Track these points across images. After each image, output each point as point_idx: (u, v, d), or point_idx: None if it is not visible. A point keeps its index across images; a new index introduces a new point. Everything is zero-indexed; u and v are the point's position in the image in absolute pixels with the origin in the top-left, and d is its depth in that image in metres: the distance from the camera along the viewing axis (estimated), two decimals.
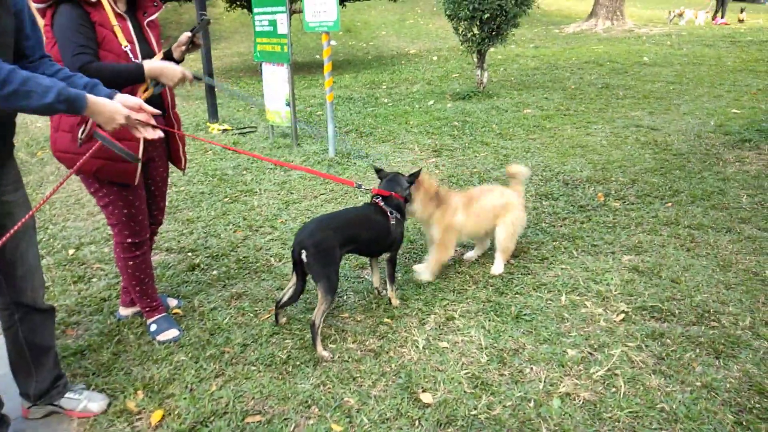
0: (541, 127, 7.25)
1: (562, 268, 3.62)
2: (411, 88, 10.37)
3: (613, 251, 3.82)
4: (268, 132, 7.05)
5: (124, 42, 2.48)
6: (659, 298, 3.22)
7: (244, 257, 3.90)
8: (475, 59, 9.38)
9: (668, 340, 2.86)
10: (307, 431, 2.34)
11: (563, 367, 2.71)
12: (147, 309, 3.04)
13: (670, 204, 4.56)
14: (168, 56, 2.82)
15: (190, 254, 3.98)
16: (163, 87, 2.58)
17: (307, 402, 2.51)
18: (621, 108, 7.95)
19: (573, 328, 3.01)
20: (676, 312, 3.09)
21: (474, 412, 2.43)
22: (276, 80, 6.37)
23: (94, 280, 3.68)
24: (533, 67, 11.85)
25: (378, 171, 3.34)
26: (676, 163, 5.54)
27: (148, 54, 2.61)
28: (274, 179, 5.50)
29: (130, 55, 2.50)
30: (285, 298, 2.96)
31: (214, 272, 3.71)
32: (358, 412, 2.45)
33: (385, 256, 3.20)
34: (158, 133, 2.22)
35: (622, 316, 3.09)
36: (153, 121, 2.22)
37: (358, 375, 2.68)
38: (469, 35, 9.03)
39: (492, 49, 10.55)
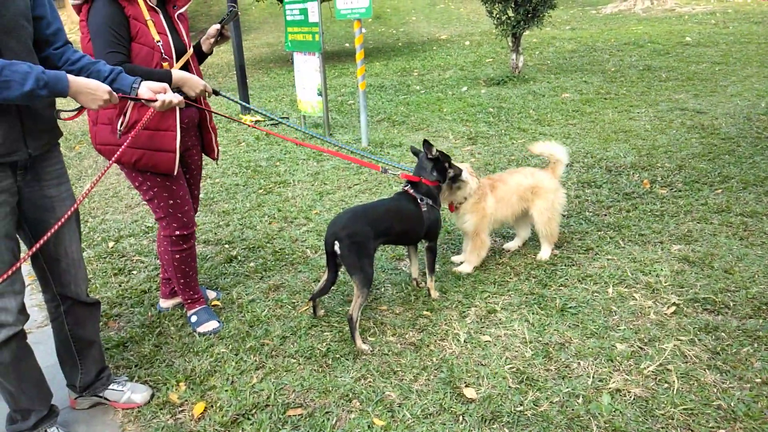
0: (581, 111, 7.04)
1: (608, 259, 3.49)
2: (443, 75, 10.22)
3: (662, 240, 3.67)
4: (300, 122, 7.03)
5: (156, 36, 2.47)
6: (712, 289, 3.07)
7: (280, 249, 3.89)
8: (510, 43, 9.17)
9: (723, 334, 2.72)
10: (349, 425, 2.31)
11: (612, 362, 2.60)
12: (189, 301, 3.05)
13: (720, 190, 4.35)
14: (197, 48, 2.81)
15: (227, 246, 3.99)
16: (183, 95, 2.57)
17: (348, 395, 2.47)
18: (664, 91, 7.66)
19: (621, 321, 2.90)
20: (731, 304, 2.94)
21: (520, 408, 2.35)
22: (307, 70, 6.33)
23: (134, 272, 3.72)
24: (570, 49, 11.53)
25: (415, 153, 3.18)
26: (725, 147, 5.29)
27: (180, 46, 2.60)
28: (307, 170, 5.48)
29: (162, 50, 2.48)
30: (317, 290, 2.93)
31: (251, 264, 3.70)
32: (399, 406, 2.40)
33: (424, 244, 3.13)
34: (178, 97, 2.26)
35: (673, 308, 2.95)
36: (179, 97, 2.27)
37: (398, 369, 2.63)
38: (503, 18, 8.83)
39: (527, 32, 10.28)
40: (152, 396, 2.55)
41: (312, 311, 3.05)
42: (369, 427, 2.30)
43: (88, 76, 2.02)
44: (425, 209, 2.99)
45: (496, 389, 2.47)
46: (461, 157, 5.65)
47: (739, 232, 3.69)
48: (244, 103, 3.02)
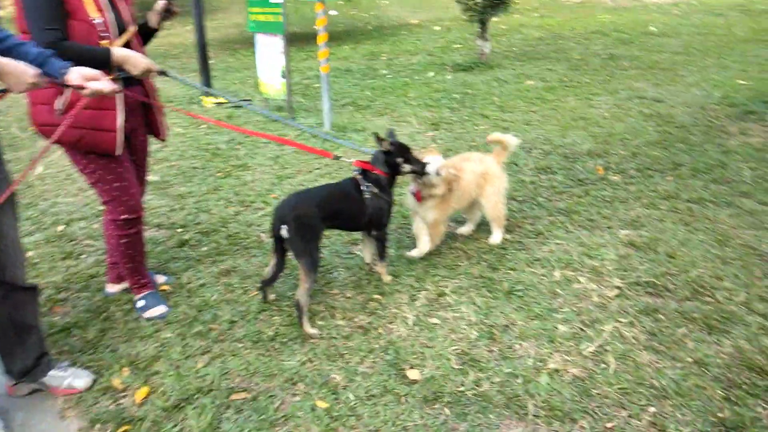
0: (543, 99, 7.11)
1: (557, 243, 3.56)
2: (411, 60, 10.18)
3: (610, 226, 3.76)
4: (262, 105, 6.94)
5: (94, 13, 2.39)
6: (654, 273, 3.17)
7: (234, 233, 3.86)
8: (477, 29, 9.18)
9: (661, 316, 2.81)
10: (293, 409, 2.32)
11: (553, 343, 2.67)
12: (136, 285, 3.01)
13: (670, 178, 4.47)
14: (144, 26, 2.75)
15: (180, 230, 3.94)
16: (126, 74, 2.51)
17: (293, 379, 2.48)
18: (625, 79, 7.78)
19: (565, 303, 2.97)
20: (671, 287, 3.03)
21: (461, 389, 2.40)
22: (270, 52, 6.24)
23: (83, 256, 3.65)
24: (537, 37, 11.60)
25: (379, 140, 3.09)
26: (679, 135, 5.42)
27: (121, 23, 2.53)
28: (267, 153, 5.42)
29: (101, 27, 2.41)
30: (266, 277, 2.92)
31: (204, 248, 3.67)
32: (344, 389, 2.42)
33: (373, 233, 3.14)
34: (110, 86, 2.21)
35: (616, 291, 3.04)
36: (112, 85, 2.20)
37: (345, 352, 2.65)
38: (470, 4, 8.81)
39: (495, 19, 10.30)
40: (94, 381, 2.52)
41: (262, 296, 3.04)
42: (312, 409, 2.32)
43: (15, 58, 1.96)
44: (368, 196, 2.96)
45: (439, 370, 2.51)
46: (422, 143, 5.67)
47: (685, 218, 3.79)
48: (193, 84, 2.96)
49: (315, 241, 2.74)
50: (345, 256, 3.55)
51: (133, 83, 2.64)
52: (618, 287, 3.07)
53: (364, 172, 3.03)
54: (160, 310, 2.96)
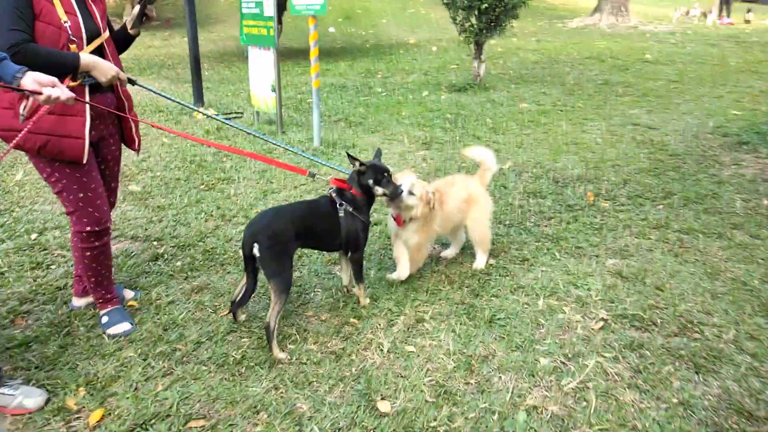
0: (536, 122, 7.07)
1: (542, 271, 3.46)
2: (407, 78, 10.17)
3: (598, 254, 3.66)
4: (253, 118, 6.86)
5: (63, 16, 2.30)
6: (641, 305, 3.06)
7: (211, 248, 3.74)
8: (473, 50, 9.17)
9: (647, 352, 2.69)
10: None
11: (533, 377, 2.55)
12: (101, 300, 2.88)
13: (661, 206, 4.38)
14: (121, 32, 2.66)
15: (155, 243, 3.81)
16: (93, 81, 2.42)
17: (256, 407, 2.35)
18: (619, 105, 7.76)
19: (548, 334, 2.85)
20: (658, 321, 2.93)
21: (433, 424, 2.27)
22: (262, 65, 6.18)
23: (53, 267, 3.51)
24: (533, 60, 11.63)
25: (352, 159, 3.00)
26: (671, 163, 5.36)
27: (92, 28, 2.44)
28: (254, 167, 5.32)
29: (70, 31, 2.32)
30: (237, 299, 2.80)
31: (178, 263, 3.54)
32: (309, 419, 2.29)
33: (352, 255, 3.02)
34: (67, 93, 2.12)
35: (601, 324, 2.92)
36: (68, 93, 2.11)
37: (314, 379, 2.52)
38: (466, 25, 8.82)
39: (493, 41, 10.35)
40: (47, 401, 2.37)
41: (232, 317, 2.91)
42: None
43: None
44: (342, 215, 2.84)
45: (411, 403, 2.38)
46: (413, 162, 5.59)
47: (675, 249, 3.70)
48: (164, 95, 2.86)
49: (287, 261, 2.63)
50: (324, 275, 3.43)
51: (104, 90, 2.54)
52: (603, 319, 2.96)
53: (340, 191, 2.91)
54: (124, 327, 2.83)
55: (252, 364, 2.60)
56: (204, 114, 7.06)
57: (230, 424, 2.26)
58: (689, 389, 2.45)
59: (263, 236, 2.56)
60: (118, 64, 2.62)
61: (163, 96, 2.83)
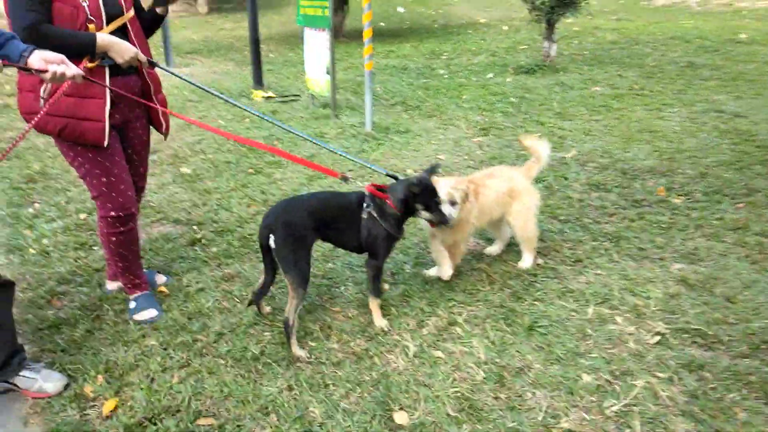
0: (608, 107, 6.56)
1: (596, 274, 3.14)
2: (472, 60, 9.78)
3: (662, 257, 3.29)
4: (309, 101, 6.78)
5: None
6: (706, 319, 2.70)
7: (249, 234, 3.67)
8: (544, 30, 8.66)
9: (708, 374, 2.36)
10: None
11: (573, 395, 2.29)
12: (129, 285, 2.87)
13: (741, 205, 3.90)
14: (150, 13, 2.59)
15: (195, 228, 3.79)
16: (112, 62, 2.35)
17: (267, 408, 2.24)
18: (703, 90, 7.07)
19: (595, 347, 2.56)
20: (725, 339, 2.56)
21: None
22: (317, 46, 6.05)
23: (95, 247, 3.56)
24: (611, 40, 10.88)
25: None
26: (758, 156, 4.78)
27: (113, 8, 2.37)
28: (303, 152, 5.23)
29: (88, 11, 2.25)
30: (255, 292, 2.69)
31: (214, 249, 3.49)
32: (320, 426, 2.15)
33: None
34: (74, 70, 2.05)
35: (657, 338, 2.60)
36: (74, 70, 2.04)
37: (331, 382, 2.38)
38: (537, 3, 8.31)
39: (568, 20, 9.72)
40: (66, 386, 2.37)
41: (256, 309, 2.81)
42: None
43: None
44: (365, 217, 2.60)
45: (431, 416, 2.19)
46: (468, 149, 5.31)
47: (753, 255, 3.27)
48: (187, 79, 2.76)
49: (304, 253, 2.48)
50: (357, 269, 3.27)
51: (127, 72, 2.47)
52: (660, 333, 2.63)
53: (373, 196, 2.66)
54: (150, 313, 2.80)
55: (269, 360, 2.50)
56: (262, 96, 7.08)
57: (238, 425, 2.16)
58: (757, 423, 2.11)
59: (279, 226, 2.43)
60: (142, 45, 2.55)
61: (186, 80, 2.74)
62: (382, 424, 2.15)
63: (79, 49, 2.22)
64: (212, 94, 2.84)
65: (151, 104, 2.61)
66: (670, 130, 5.63)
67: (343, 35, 11.95)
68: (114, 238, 2.68)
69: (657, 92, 7.10)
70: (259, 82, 7.48)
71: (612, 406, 2.22)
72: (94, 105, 2.36)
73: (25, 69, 1.95)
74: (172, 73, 2.62)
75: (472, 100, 7.07)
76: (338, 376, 2.41)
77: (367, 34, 5.40)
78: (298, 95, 7.24)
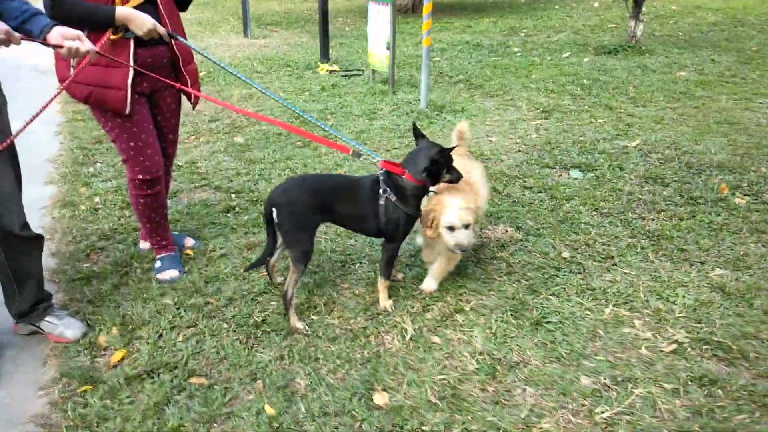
0: (690, 94, 6.06)
1: (624, 273, 2.95)
2: (552, 38, 9.33)
3: (704, 261, 3.03)
4: (369, 77, 6.77)
5: None
6: (735, 332, 2.47)
7: None
8: (631, 7, 8.08)
9: (720, 391, 2.17)
10: (239, 408, 2.16)
11: (564, 396, 2.19)
12: (156, 246, 3.04)
13: None
14: None
15: (233, 195, 3.93)
16: (133, 35, 2.45)
17: (255, 374, 2.32)
18: None
19: (602, 350, 2.43)
20: (751, 356, 2.34)
21: (425, 428, 2.05)
22: (380, 21, 6.00)
23: None
24: (711, 21, 9.99)
25: (417, 135, 2.67)
26: None
27: None
28: (354, 127, 5.25)
29: None
30: (253, 262, 2.76)
31: (245, 217, 3.61)
32: (301, 398, 2.20)
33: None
34: (87, 46, 2.18)
35: (674, 346, 2.42)
36: (88, 46, 2.16)
37: (322, 356, 2.41)
38: None
39: None
40: (84, 334, 2.57)
41: (269, 277, 2.90)
42: (258, 413, 2.13)
43: None
44: (382, 202, 2.52)
45: (411, 400, 2.18)
46: (523, 131, 5.11)
47: None
48: (203, 53, 2.80)
49: (305, 233, 2.50)
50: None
51: (153, 44, 2.58)
52: (678, 342, 2.44)
53: (389, 175, 2.57)
54: (172, 273, 2.96)
55: (269, 329, 2.57)
56: (327, 70, 7.15)
57: (226, 387, 2.26)
58: None
59: (282, 202, 2.47)
60: (172, 17, 2.64)
61: (203, 54, 2.80)
62: (361, 403, 2.17)
63: (100, 21, 2.34)
64: (225, 69, 2.90)
65: (163, 80, 2.65)
66: (753, 122, 5.13)
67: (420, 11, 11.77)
68: (141, 200, 2.84)
69: (751, 80, 6.47)
70: (325, 55, 7.54)
71: (603, 412, 2.10)
72: (118, 74, 2.49)
73: (44, 44, 2.09)
74: (190, 46, 2.70)
75: (540, 80, 6.77)
76: (330, 350, 2.44)
77: (426, 8, 5.29)
78: (361, 70, 7.24)
